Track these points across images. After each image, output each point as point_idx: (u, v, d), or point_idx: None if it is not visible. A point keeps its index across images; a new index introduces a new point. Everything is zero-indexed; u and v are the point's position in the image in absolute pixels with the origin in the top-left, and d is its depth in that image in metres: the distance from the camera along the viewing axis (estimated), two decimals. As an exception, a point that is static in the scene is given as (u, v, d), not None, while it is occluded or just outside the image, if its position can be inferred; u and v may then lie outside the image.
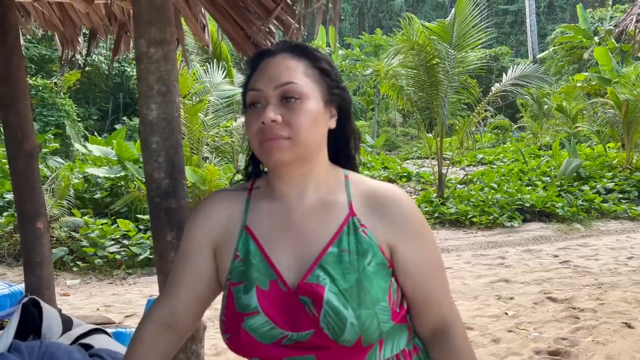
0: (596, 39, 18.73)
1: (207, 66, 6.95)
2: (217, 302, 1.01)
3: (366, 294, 0.88)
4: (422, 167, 12.44)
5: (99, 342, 1.28)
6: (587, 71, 17.61)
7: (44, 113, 11.20)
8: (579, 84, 13.43)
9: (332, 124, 0.98)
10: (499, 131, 18.07)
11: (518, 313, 3.94)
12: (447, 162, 14.06)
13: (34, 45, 12.56)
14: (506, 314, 3.94)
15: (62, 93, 11.63)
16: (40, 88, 11.24)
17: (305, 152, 0.93)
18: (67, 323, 1.28)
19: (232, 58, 9.48)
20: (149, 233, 6.00)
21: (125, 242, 5.66)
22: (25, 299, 1.24)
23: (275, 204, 0.98)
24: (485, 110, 8.50)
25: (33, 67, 12.42)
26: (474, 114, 8.02)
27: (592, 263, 5.20)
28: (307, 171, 0.96)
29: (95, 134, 12.46)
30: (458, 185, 9.54)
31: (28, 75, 11.10)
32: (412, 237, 0.95)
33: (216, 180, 6.08)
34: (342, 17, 47.42)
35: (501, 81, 7.92)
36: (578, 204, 7.33)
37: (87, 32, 2.43)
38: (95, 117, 14.33)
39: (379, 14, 44.40)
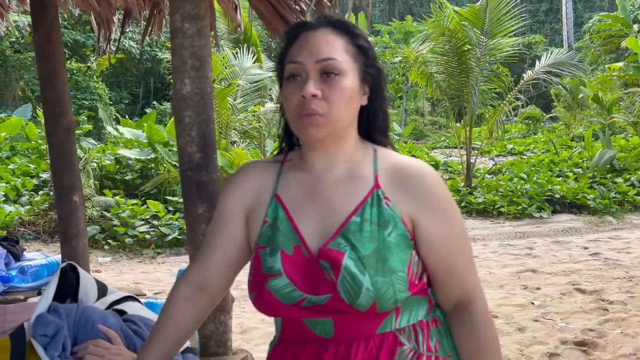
0: (636, 27, 18.07)
1: (236, 51, 7.00)
2: (245, 274, 1.03)
3: (384, 262, 0.91)
4: (450, 156, 12.31)
5: (132, 308, 1.33)
6: (624, 60, 17.03)
7: (77, 96, 11.46)
8: (615, 74, 13.00)
9: (364, 100, 1.00)
10: (530, 121, 17.69)
11: (545, 303, 3.89)
12: (476, 151, 13.94)
13: (68, 30, 12.83)
14: (532, 303, 3.90)
15: (95, 77, 11.87)
16: (74, 72, 11.51)
17: (339, 128, 0.96)
18: (102, 289, 1.33)
19: (262, 44, 9.51)
20: (177, 214, 6.12)
21: (155, 222, 5.79)
22: (64, 264, 1.30)
23: (305, 175, 1.01)
24: (516, 99, 8.33)
25: (67, 51, 12.69)
26: (504, 102, 7.87)
27: (624, 256, 5.08)
28: (339, 145, 0.99)
29: (127, 117, 12.71)
30: (486, 175, 9.41)
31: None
32: (434, 211, 0.96)
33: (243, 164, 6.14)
34: (373, 4, 46.94)
35: (534, 69, 7.73)
36: (611, 196, 7.15)
37: (121, 12, 2.48)
38: (127, 101, 14.59)
39: (409, 0, 43.76)
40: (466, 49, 7.39)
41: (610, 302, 3.86)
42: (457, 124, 9.64)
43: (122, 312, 1.28)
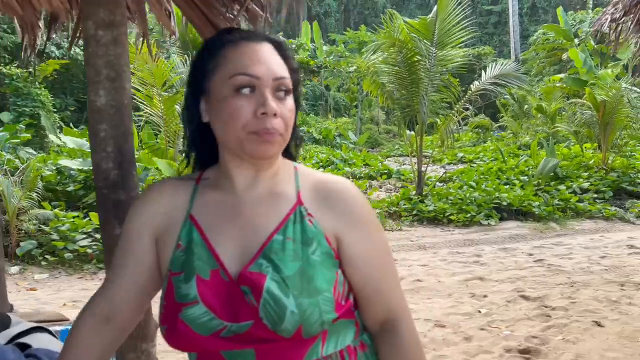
0: (576, 40, 19.00)
1: (184, 57, 6.84)
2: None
3: (309, 282, 0.86)
4: (404, 164, 12.48)
5: (39, 341, 1.21)
6: (567, 72, 17.84)
7: (17, 103, 10.92)
8: (558, 84, 13.59)
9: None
10: (480, 130, 18.21)
11: (491, 311, 3.94)
12: (428, 160, 14.20)
13: (8, 35, 12.23)
14: (479, 311, 3.94)
15: (37, 83, 11.35)
16: (15, 77, 10.96)
17: (284, 146, 0.93)
18: (4, 322, 1.21)
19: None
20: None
21: (97, 235, 5.52)
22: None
23: (224, 194, 0.95)
24: (466, 109, 8.54)
25: (7, 56, 12.09)
26: (453, 112, 8.04)
27: (566, 262, 5.24)
28: (270, 164, 0.94)
29: (72, 125, 12.20)
30: (438, 183, 9.57)
31: (2, 65, 10.78)
32: (357, 228, 0.93)
33: (192, 174, 5.98)
34: (328, 13, 47.33)
35: (480, 80, 7.93)
36: (554, 204, 7.40)
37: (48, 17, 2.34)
38: (73, 108, 14.01)
39: (364, 10, 44.42)
40: (416, 59, 7.51)
41: (553, 309, 3.96)
42: (410, 133, 9.78)
43: (25, 346, 1.16)
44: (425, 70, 7.61)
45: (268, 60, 0.90)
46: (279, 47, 0.94)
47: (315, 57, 24.24)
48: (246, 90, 0.87)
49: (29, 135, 9.16)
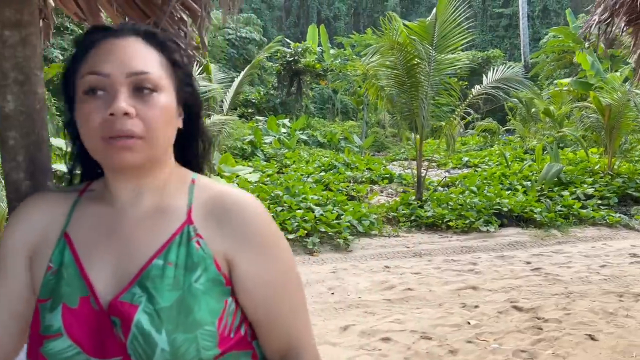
0: (586, 43, 18.72)
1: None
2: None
3: (187, 315, 0.76)
4: (408, 168, 12.34)
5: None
6: (577, 75, 17.59)
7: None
8: (565, 89, 13.38)
9: (180, 123, 0.87)
10: (487, 134, 18.00)
11: (481, 322, 3.81)
12: (434, 164, 14.03)
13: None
14: (468, 323, 3.81)
15: (40, 86, 11.37)
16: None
17: (157, 153, 0.81)
18: None
19: (224, 54, 9.30)
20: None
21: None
22: None
23: (104, 208, 0.85)
24: (467, 114, 8.39)
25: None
26: (454, 116, 7.90)
27: (564, 271, 5.08)
28: (152, 174, 0.84)
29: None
30: (440, 188, 9.42)
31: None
32: (255, 250, 0.83)
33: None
34: (337, 16, 47.24)
35: (482, 84, 7.79)
36: (556, 210, 7.22)
37: None
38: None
39: (374, 14, 44.39)
40: (416, 62, 7.38)
41: (545, 320, 3.81)
42: (417, 136, 9.63)
43: None
44: (425, 74, 7.49)
45: (124, 55, 0.79)
46: (151, 39, 0.83)
47: (322, 60, 24.22)
48: (99, 92, 0.77)
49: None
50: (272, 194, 6.97)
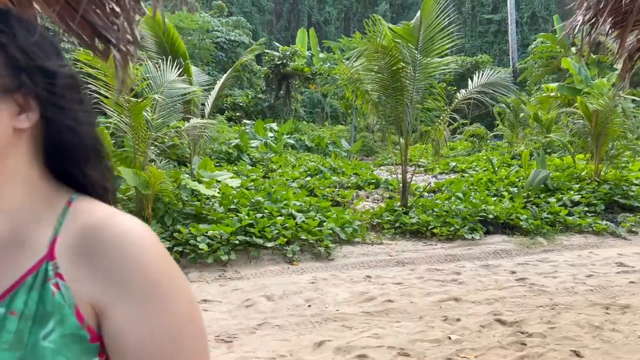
0: (574, 49, 18.77)
1: (157, 62, 6.58)
2: None
3: None
4: (395, 173, 12.20)
5: None
6: (564, 81, 17.60)
7: None
8: (552, 94, 13.33)
9: (24, 122, 0.66)
10: (475, 139, 17.94)
11: (462, 337, 3.64)
12: (421, 169, 13.91)
13: None
14: (449, 338, 3.64)
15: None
16: None
17: None
18: None
19: (211, 57, 9.12)
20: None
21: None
22: None
23: None
24: (453, 119, 8.27)
25: None
26: (439, 121, 7.77)
27: (549, 281, 4.94)
28: None
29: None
30: (426, 194, 9.28)
31: None
32: (135, 298, 0.63)
33: (160, 184, 5.70)
34: (328, 21, 47.15)
35: (467, 89, 7.67)
36: (543, 217, 7.10)
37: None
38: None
39: (364, 18, 44.18)
40: (400, 66, 7.24)
41: (530, 335, 3.66)
42: (403, 141, 9.50)
43: None
44: (410, 78, 7.35)
45: None
46: None
47: (311, 64, 24.07)
48: None
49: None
50: (253, 200, 6.78)
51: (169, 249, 5.36)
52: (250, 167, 11.86)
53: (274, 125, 17.25)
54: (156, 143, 6.21)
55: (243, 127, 17.05)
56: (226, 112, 22.61)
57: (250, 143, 14.07)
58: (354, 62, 7.37)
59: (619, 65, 3.92)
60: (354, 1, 48.81)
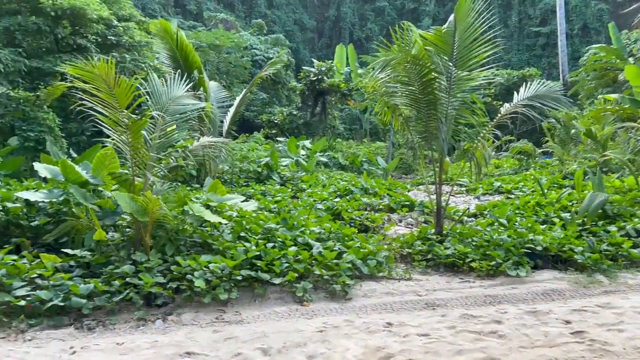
0: (631, 60, 17.33)
1: (165, 76, 6.08)
2: None
3: None
4: (433, 194, 11.29)
5: None
6: (622, 93, 16.18)
7: (23, 127, 10.56)
8: (609, 107, 12.09)
9: None
10: (523, 156, 16.73)
11: (500, 421, 2.79)
12: (463, 188, 12.89)
13: (23, 58, 12.03)
14: (483, 421, 2.80)
15: (45, 107, 10.98)
16: (22, 101, 10.63)
17: None
18: None
19: (216, 71, 8.64)
20: (79, 270, 5.10)
21: (41, 282, 4.72)
22: None
23: None
24: (495, 136, 7.38)
25: (20, 80, 11.84)
26: (479, 138, 6.90)
27: (614, 336, 3.98)
28: None
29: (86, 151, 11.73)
30: (466, 219, 8.37)
31: (10, 89, 10.46)
32: None
33: (158, 211, 5.12)
34: (369, 37, 46.71)
35: (511, 103, 6.78)
36: (602, 249, 6.08)
37: None
38: (89, 133, 13.65)
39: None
40: (432, 77, 6.46)
41: (591, 422, 2.77)
42: (445, 159, 8.65)
43: None
44: (444, 90, 6.55)
45: None
46: None
47: (350, 80, 23.49)
48: None
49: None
50: (266, 227, 6.10)
51: (162, 285, 4.74)
52: (279, 186, 11.26)
53: (306, 143, 16.65)
54: (158, 165, 5.65)
55: (275, 145, 16.55)
56: (262, 129, 22.28)
57: (280, 161, 13.50)
58: (378, 72, 6.62)
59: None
60: (396, 17, 48.17)
